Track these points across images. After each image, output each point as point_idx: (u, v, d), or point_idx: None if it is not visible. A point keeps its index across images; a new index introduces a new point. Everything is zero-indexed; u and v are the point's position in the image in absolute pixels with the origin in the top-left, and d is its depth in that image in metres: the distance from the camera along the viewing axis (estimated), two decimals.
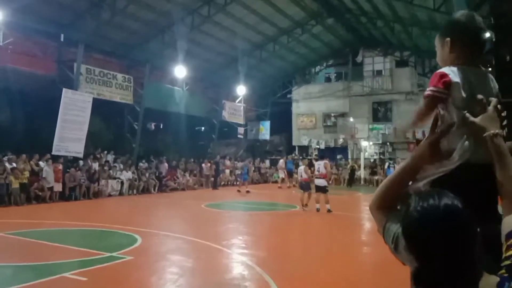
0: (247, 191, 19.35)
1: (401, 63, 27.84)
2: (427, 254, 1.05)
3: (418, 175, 1.50)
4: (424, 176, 1.54)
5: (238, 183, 22.98)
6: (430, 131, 1.43)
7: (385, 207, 1.41)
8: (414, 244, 1.08)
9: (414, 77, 27.52)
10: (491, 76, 1.77)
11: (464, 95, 1.62)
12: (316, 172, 12.94)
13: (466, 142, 1.58)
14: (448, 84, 1.61)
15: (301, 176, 13.60)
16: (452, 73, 1.64)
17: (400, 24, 21.86)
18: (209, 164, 22.88)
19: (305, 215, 12.62)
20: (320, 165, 12.83)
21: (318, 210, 12.58)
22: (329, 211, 12.37)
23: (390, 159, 26.21)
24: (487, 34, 1.72)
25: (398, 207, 1.41)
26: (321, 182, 12.72)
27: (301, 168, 13.93)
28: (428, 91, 1.64)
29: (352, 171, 25.24)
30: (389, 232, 1.34)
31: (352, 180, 24.82)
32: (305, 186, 13.25)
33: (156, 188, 19.43)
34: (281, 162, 24.60)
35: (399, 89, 27.72)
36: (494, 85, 1.75)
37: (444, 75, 1.64)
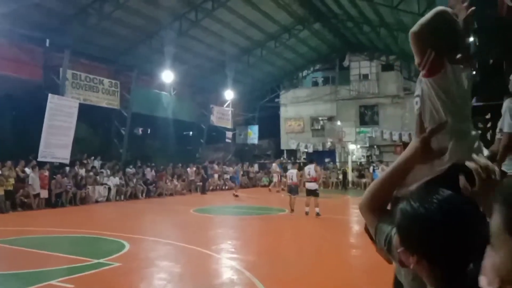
0: (236, 195, 19.37)
1: (387, 67, 28.16)
2: (429, 249, 1.03)
3: (408, 177, 1.47)
4: (415, 179, 1.53)
5: (226, 187, 22.96)
6: (419, 131, 1.40)
7: (376, 208, 1.40)
8: (414, 240, 1.06)
9: (400, 81, 27.84)
10: (468, 73, 1.76)
11: (452, 91, 1.61)
12: (307, 176, 12.94)
13: (456, 142, 1.56)
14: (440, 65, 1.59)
15: (292, 179, 13.58)
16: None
17: (386, 29, 22.11)
18: (194, 169, 22.73)
19: (294, 219, 12.63)
20: (311, 169, 12.84)
21: (307, 213, 12.59)
22: (317, 214, 12.39)
23: (372, 162, 26.49)
24: (460, 29, 1.69)
25: (389, 208, 1.41)
26: (312, 185, 12.72)
27: (293, 171, 13.87)
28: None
29: (345, 174, 25.41)
30: (381, 233, 1.33)
31: (345, 183, 24.99)
32: (294, 189, 13.30)
33: (144, 194, 19.29)
34: (274, 165, 24.60)
35: (385, 92, 28.02)
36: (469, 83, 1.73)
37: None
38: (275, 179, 23.65)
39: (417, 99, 1.71)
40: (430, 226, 1.02)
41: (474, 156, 1.28)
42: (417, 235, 1.05)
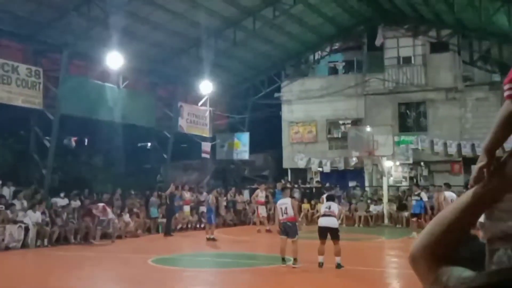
0: (212, 238, 18.85)
1: (439, 47, 28.34)
2: None
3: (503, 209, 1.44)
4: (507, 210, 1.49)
5: (202, 225, 22.67)
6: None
7: (439, 256, 1.35)
8: None
9: (457, 67, 28.00)
10: None
11: None
12: (325, 210, 12.95)
13: None
14: None
15: (285, 213, 12.89)
16: None
17: None
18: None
19: (301, 272, 12.43)
20: (331, 204, 13.00)
21: (321, 265, 12.39)
22: (339, 266, 12.22)
23: (418, 186, 25.86)
24: None
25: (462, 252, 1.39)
26: (331, 221, 12.56)
27: (286, 201, 13.26)
28: (508, 91, 1.56)
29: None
30: (451, 276, 1.28)
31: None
32: (291, 229, 12.78)
33: (78, 237, 19.04)
34: (258, 192, 24.16)
35: (436, 84, 28.11)
36: None
37: None
38: (263, 213, 22.96)
39: None
40: None
41: None
42: None
